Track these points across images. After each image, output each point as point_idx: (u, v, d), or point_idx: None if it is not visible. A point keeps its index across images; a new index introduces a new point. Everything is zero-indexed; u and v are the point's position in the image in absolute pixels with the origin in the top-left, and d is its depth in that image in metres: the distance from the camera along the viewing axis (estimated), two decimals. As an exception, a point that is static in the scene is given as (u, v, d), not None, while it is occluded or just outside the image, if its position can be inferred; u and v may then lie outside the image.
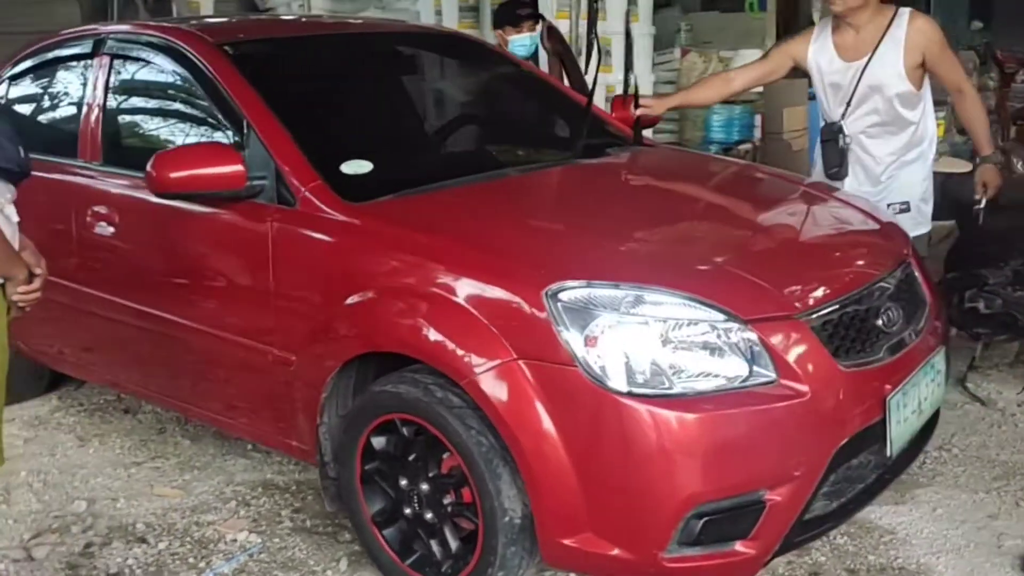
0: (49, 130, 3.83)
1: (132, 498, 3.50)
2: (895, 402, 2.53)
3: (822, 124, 3.64)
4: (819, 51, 3.56)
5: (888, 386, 2.53)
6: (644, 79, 7.47)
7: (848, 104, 3.49)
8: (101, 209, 3.41)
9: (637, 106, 3.32)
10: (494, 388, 2.36)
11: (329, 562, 3.01)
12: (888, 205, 3.48)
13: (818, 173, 3.66)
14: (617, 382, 2.27)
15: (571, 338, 2.29)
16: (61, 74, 3.86)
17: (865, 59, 3.43)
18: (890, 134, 3.54)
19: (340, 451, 2.79)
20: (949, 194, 4.37)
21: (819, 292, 2.52)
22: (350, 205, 2.75)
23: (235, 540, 3.17)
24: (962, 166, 5.71)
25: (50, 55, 3.90)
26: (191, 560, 3.07)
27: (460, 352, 2.41)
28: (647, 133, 4.18)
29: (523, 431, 2.33)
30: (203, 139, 3.15)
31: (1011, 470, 3.39)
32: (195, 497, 3.48)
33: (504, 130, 3.49)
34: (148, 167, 2.84)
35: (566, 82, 4.72)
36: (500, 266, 2.44)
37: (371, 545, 2.79)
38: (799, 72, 3.80)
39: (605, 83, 7.30)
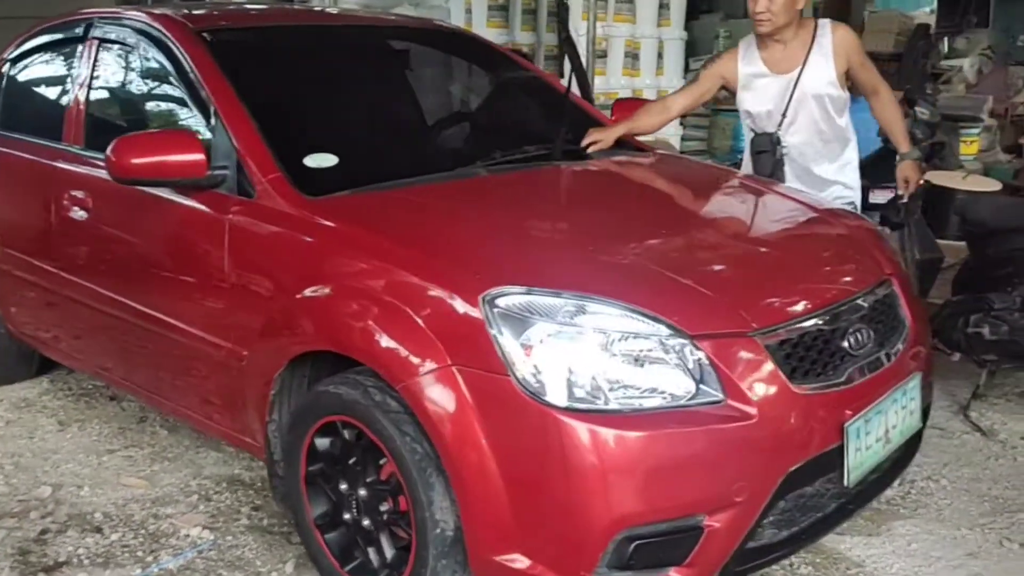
0: (41, 112, 3.82)
1: (97, 486, 3.47)
2: (855, 429, 2.39)
3: (751, 136, 3.70)
4: (750, 65, 3.61)
5: (848, 412, 2.39)
6: (676, 84, 7.35)
7: (784, 115, 3.55)
8: (77, 193, 3.39)
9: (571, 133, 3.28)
10: (428, 394, 2.27)
11: (276, 563, 2.94)
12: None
13: None
14: (551, 395, 2.16)
15: (506, 346, 2.19)
16: (54, 58, 3.86)
17: (797, 70, 3.54)
18: (830, 152, 3.64)
19: (287, 451, 2.72)
20: (962, 214, 4.20)
21: (779, 309, 2.39)
22: (305, 199, 2.68)
23: (188, 535, 3.12)
24: (991, 185, 5.50)
25: (46, 39, 3.91)
26: (139, 554, 3.02)
27: (397, 355, 2.33)
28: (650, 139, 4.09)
29: (455, 441, 2.24)
30: (174, 126, 3.10)
31: (1001, 506, 3.21)
32: (159, 489, 3.45)
33: (482, 129, 3.40)
34: (108, 151, 2.80)
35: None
36: (440, 268, 2.35)
37: (313, 548, 2.72)
38: None
39: (632, 87, 7.21)
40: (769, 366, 2.28)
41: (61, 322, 3.70)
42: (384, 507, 2.52)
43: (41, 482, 3.50)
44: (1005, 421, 3.90)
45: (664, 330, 2.22)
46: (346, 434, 2.55)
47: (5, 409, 4.16)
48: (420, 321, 2.31)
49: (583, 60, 4.72)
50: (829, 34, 3.54)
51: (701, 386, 2.21)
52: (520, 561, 2.23)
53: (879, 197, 4.23)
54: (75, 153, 3.46)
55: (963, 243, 4.38)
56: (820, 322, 2.43)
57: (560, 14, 6.22)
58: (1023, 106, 8.62)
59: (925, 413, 2.88)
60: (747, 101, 3.62)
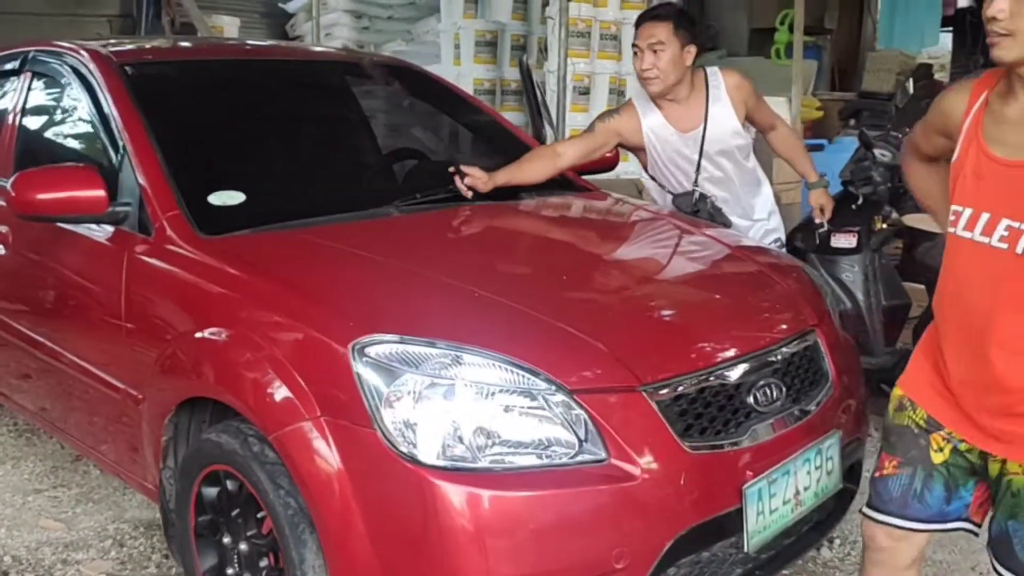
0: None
1: (15, 528, 3.39)
2: (755, 491, 2.24)
3: (669, 197, 3.60)
4: (654, 127, 3.47)
5: (749, 472, 2.24)
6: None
7: (697, 170, 3.46)
8: (1, 228, 3.33)
9: (462, 176, 3.09)
10: (297, 447, 2.16)
11: (173, 616, 2.83)
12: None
13: None
14: (420, 451, 2.04)
15: (373, 398, 2.08)
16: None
17: (700, 127, 3.43)
18: (747, 194, 3.60)
19: (178, 499, 2.62)
20: (922, 260, 4.04)
21: (674, 362, 2.25)
22: (199, 238, 2.60)
23: (91, 583, 3.02)
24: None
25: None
26: (38, 601, 2.93)
27: (270, 404, 2.22)
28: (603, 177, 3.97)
29: (322, 496, 2.13)
30: (90, 159, 3.03)
31: (943, 571, 3.04)
32: (76, 532, 3.36)
33: (401, 167, 3.31)
34: (8, 186, 2.74)
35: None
36: (316, 314, 2.25)
37: (202, 603, 2.60)
38: None
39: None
40: (657, 423, 2.15)
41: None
42: (263, 563, 2.40)
43: (-40, 521, 3.42)
44: (966, 478, 3.71)
45: (542, 384, 2.10)
46: (228, 485, 2.44)
47: (-58, 443, 4.10)
48: (294, 370, 2.20)
49: (540, 93, 4.61)
50: (722, 83, 3.45)
51: (582, 443, 2.09)
52: (388, 627, 2.10)
53: (841, 241, 4.08)
54: (2, 186, 3.40)
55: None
56: (721, 376, 2.30)
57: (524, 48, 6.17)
58: None
59: (855, 471, 2.72)
60: (656, 159, 3.50)
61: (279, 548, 2.29)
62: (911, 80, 4.90)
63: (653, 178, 3.63)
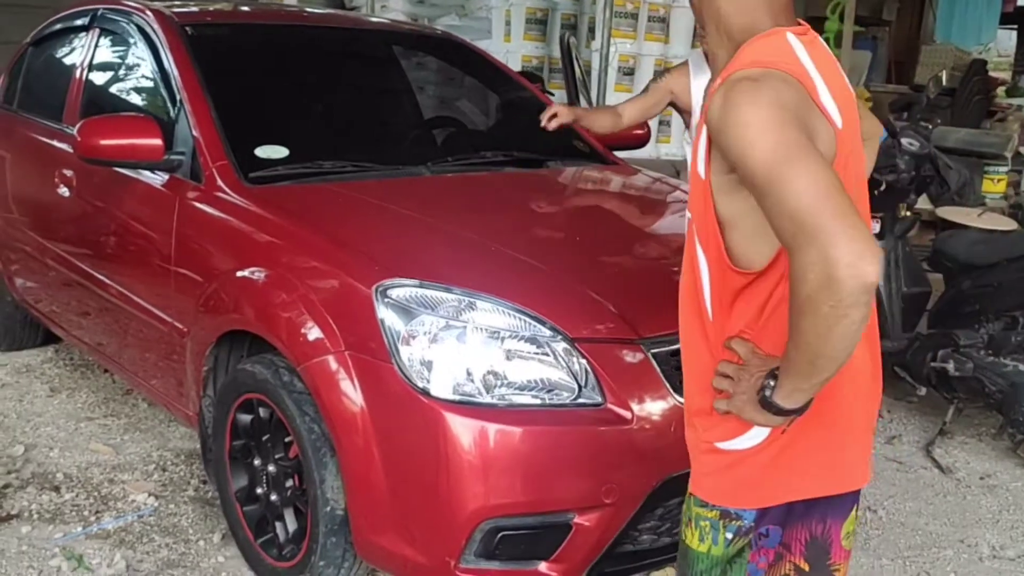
0: (50, 95, 4.05)
1: (67, 450, 3.66)
2: (741, 444, 2.41)
3: None
4: (702, 87, 3.39)
5: (737, 427, 2.41)
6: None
7: None
8: (66, 171, 3.59)
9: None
10: (323, 377, 2.37)
11: (206, 533, 3.08)
12: None
13: None
14: (431, 386, 2.24)
15: (393, 336, 2.28)
16: (64, 45, 4.09)
17: None
18: None
19: (215, 425, 2.85)
20: (940, 248, 4.14)
21: (674, 321, 2.41)
22: (245, 187, 2.82)
23: (134, 501, 3.27)
24: (1006, 224, 5.40)
25: (59, 26, 4.14)
26: (85, 513, 3.19)
27: (300, 338, 2.44)
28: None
29: (342, 423, 2.34)
30: (149, 111, 3.27)
31: (932, 541, 3.18)
32: (123, 456, 3.62)
33: (438, 132, 3.50)
34: (74, 132, 2.98)
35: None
36: (345, 258, 2.46)
37: (232, 520, 2.84)
38: None
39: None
40: (653, 375, 2.32)
41: (49, 293, 3.90)
42: (289, 484, 2.63)
43: (17, 441, 3.70)
44: (968, 460, 3.84)
45: (547, 332, 2.28)
46: (261, 412, 2.67)
47: (6, 373, 4.39)
48: (323, 308, 2.41)
49: (580, 71, 4.75)
50: None
51: (581, 388, 2.27)
52: (395, 543, 2.31)
53: None
54: (69, 133, 3.65)
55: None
56: (718, 336, 2.46)
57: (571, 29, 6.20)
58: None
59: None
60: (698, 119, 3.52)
61: (303, 470, 2.51)
62: (943, 73, 4.95)
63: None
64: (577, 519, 2.25)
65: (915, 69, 10.41)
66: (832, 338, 1.31)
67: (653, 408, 2.31)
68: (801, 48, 1.49)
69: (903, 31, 11.69)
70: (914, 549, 3.12)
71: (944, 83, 5.02)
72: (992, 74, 10.43)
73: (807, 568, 1.62)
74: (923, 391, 3.91)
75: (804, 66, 1.47)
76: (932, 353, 3.80)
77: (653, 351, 2.35)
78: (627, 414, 2.27)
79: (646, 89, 3.53)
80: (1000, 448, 3.95)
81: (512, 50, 7.14)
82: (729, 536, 1.60)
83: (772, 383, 1.44)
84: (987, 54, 11.99)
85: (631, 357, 2.33)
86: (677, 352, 2.35)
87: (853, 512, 1.67)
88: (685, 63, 3.55)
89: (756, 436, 1.54)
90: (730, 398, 1.52)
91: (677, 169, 5.95)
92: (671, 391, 2.34)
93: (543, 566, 2.28)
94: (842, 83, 1.56)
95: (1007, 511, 3.43)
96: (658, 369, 2.34)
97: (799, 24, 1.57)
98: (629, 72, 6.75)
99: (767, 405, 1.45)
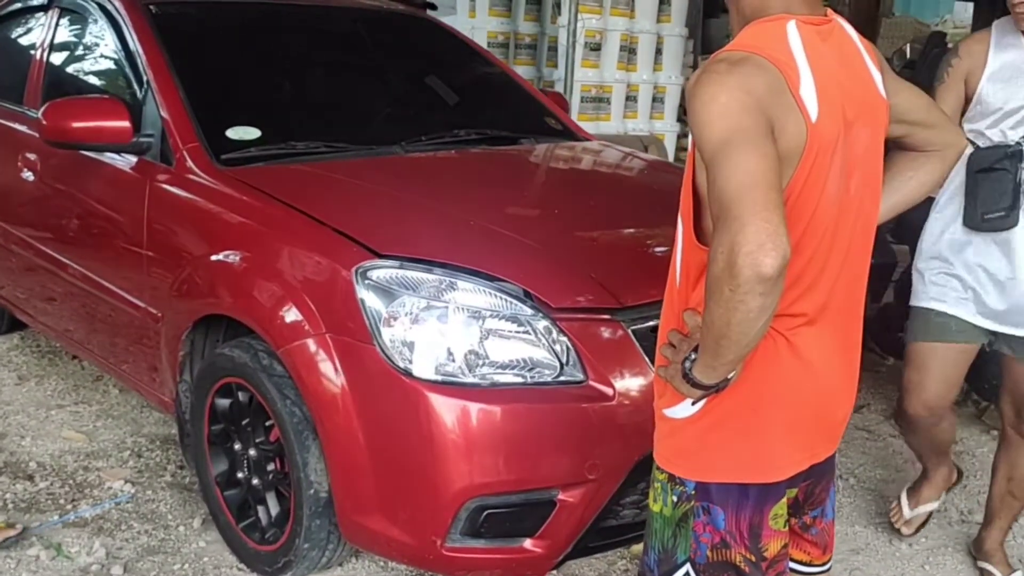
0: (8, 77, 3.96)
1: (39, 438, 3.62)
2: (721, 418, 2.44)
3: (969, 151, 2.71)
4: (1005, 56, 2.68)
5: (716, 400, 2.44)
6: (675, 80, 7.38)
7: None
8: (30, 155, 3.52)
9: None
10: (304, 360, 2.36)
11: (186, 518, 3.06)
12: None
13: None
14: (413, 367, 2.25)
15: (373, 317, 2.28)
16: (24, 25, 4.00)
17: None
18: None
19: (193, 410, 2.83)
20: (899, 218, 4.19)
21: (654, 290, 2.43)
22: (217, 169, 2.79)
23: (110, 488, 3.25)
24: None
25: (18, 5, 4.05)
26: (61, 502, 3.16)
27: (279, 321, 2.42)
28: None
29: (325, 406, 2.34)
30: (115, 93, 3.22)
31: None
32: (96, 443, 3.58)
33: (409, 111, 3.48)
34: (39, 115, 2.92)
35: None
36: (320, 239, 2.44)
37: (213, 506, 2.83)
38: None
39: (628, 81, 7.25)
40: (634, 351, 2.34)
41: (14, 279, 3.84)
42: (270, 467, 2.63)
43: (-13, 431, 3.66)
44: (939, 428, 3.91)
45: (528, 311, 2.29)
46: (240, 396, 2.65)
47: (-28, 362, 4.33)
48: (302, 290, 2.40)
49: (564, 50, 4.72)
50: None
51: (561, 364, 2.28)
52: (380, 524, 2.32)
53: None
54: (31, 116, 3.59)
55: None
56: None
57: None
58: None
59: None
60: (993, 95, 2.66)
61: (285, 453, 2.51)
62: (907, 46, 4.97)
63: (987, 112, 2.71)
64: (561, 495, 2.27)
65: (876, 42, 10.47)
66: (732, 322, 1.37)
67: (633, 384, 2.32)
68: (796, 37, 1.51)
69: (863, 4, 11.78)
70: (885, 516, 3.17)
71: (908, 56, 5.05)
72: (951, 45, 10.53)
73: (753, 559, 1.64)
74: (891, 361, 3.97)
75: (792, 55, 1.49)
76: (899, 323, 3.85)
77: (633, 328, 2.36)
78: (609, 391, 2.29)
79: (942, 80, 2.72)
80: (965, 415, 4.03)
81: (478, 26, 7.10)
82: (674, 499, 1.65)
83: (694, 356, 1.50)
84: (944, 26, 12.10)
85: (612, 334, 2.34)
86: (655, 328, 2.41)
87: (784, 499, 1.67)
88: (987, 31, 2.74)
89: (689, 408, 1.61)
90: (668, 366, 1.58)
91: (645, 145, 5.96)
92: (651, 366, 2.35)
93: (528, 543, 2.30)
94: (846, 78, 1.56)
95: (974, 476, 3.51)
96: (638, 345, 2.35)
97: (823, 13, 1.58)
98: (596, 48, 6.76)
99: (687, 377, 1.52)
